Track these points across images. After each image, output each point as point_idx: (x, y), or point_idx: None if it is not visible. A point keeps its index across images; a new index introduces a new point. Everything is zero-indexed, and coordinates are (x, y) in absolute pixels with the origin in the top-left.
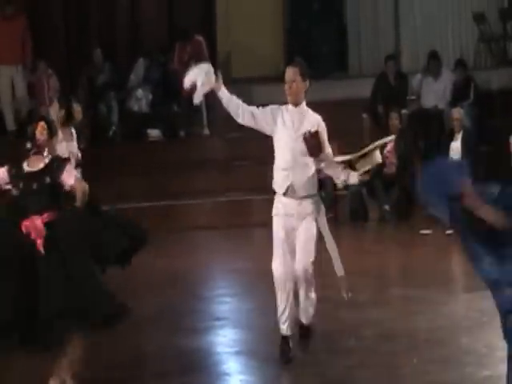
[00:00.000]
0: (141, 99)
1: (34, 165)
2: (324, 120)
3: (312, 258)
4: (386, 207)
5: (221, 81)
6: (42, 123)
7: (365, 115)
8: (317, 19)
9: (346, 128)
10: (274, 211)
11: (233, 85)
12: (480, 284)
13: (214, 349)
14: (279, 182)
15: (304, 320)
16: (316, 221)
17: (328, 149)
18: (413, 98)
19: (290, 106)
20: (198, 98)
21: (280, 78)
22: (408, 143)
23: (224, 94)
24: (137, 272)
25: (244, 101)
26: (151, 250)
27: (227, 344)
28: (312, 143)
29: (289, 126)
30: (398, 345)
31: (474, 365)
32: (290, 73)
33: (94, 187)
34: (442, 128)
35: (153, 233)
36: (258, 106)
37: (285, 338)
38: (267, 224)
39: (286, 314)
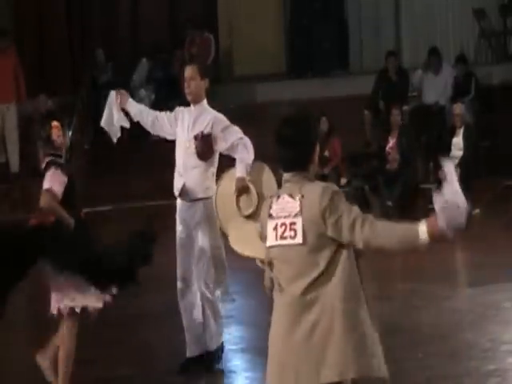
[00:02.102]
0: (143, 99)
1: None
2: (326, 117)
3: (208, 279)
4: (389, 203)
5: (126, 96)
6: (55, 123)
7: (366, 111)
8: (318, 16)
9: (347, 124)
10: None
11: (235, 82)
12: (484, 278)
13: None
14: (174, 183)
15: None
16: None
17: (227, 142)
18: (414, 94)
19: (190, 107)
20: (115, 136)
21: (282, 76)
22: (409, 139)
23: (131, 106)
24: (141, 270)
25: (247, 98)
26: (155, 248)
27: (232, 341)
28: (201, 146)
29: (184, 127)
30: (402, 339)
31: (479, 359)
32: (189, 71)
33: (97, 187)
34: (444, 124)
35: (157, 232)
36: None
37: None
38: None
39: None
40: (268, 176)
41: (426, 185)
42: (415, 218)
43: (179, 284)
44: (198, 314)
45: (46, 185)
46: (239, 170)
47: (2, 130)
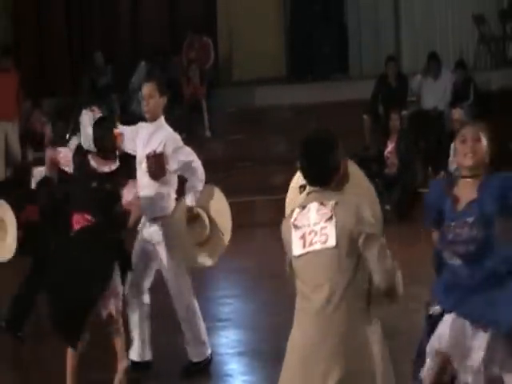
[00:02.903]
0: (142, 102)
1: (99, 164)
2: (324, 121)
3: (185, 300)
4: (387, 207)
5: (96, 114)
6: (117, 131)
7: (365, 116)
8: (318, 21)
9: (346, 129)
10: None
11: (234, 87)
12: None
13: (216, 350)
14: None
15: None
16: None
17: (178, 163)
18: (413, 99)
19: (147, 123)
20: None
21: (281, 80)
22: (408, 144)
23: None
24: None
25: (246, 102)
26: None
27: (230, 345)
28: (152, 165)
29: (140, 145)
30: (399, 342)
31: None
32: (148, 89)
33: None
34: (443, 128)
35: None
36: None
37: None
38: (269, 225)
39: None
40: (218, 197)
41: (424, 189)
42: (413, 222)
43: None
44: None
45: (128, 197)
46: (188, 200)
47: (5, 146)
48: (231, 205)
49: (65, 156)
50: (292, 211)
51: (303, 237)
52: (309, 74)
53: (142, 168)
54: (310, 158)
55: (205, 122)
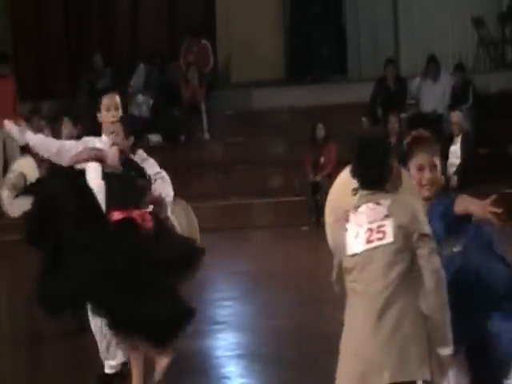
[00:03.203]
0: (141, 104)
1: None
2: (323, 124)
3: None
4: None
5: (23, 131)
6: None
7: (364, 119)
8: (316, 23)
9: (345, 132)
10: None
11: (233, 89)
12: None
13: (214, 352)
14: None
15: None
16: None
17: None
18: (412, 101)
19: (103, 137)
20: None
21: (280, 82)
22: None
23: (31, 138)
24: None
25: (244, 105)
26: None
27: (228, 347)
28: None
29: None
30: None
31: None
32: (114, 99)
33: None
34: (441, 131)
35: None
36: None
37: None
38: (268, 227)
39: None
40: (188, 209)
41: None
42: None
43: None
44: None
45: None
46: (164, 210)
47: (4, 153)
48: (230, 207)
49: (113, 155)
50: (346, 211)
51: (359, 236)
52: (307, 76)
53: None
54: (367, 161)
55: (203, 124)
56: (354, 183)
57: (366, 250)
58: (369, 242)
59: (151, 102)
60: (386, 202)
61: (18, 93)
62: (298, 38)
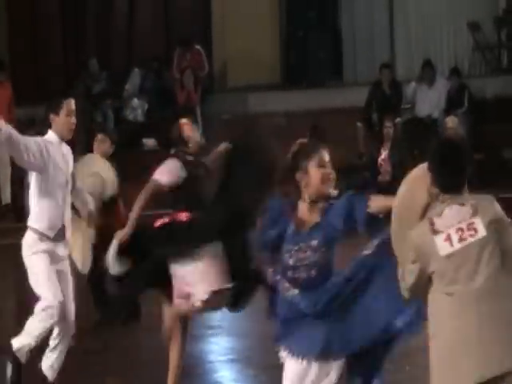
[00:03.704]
0: (136, 108)
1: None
2: (319, 127)
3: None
4: (381, 215)
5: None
6: (184, 120)
7: (359, 123)
8: (312, 28)
9: (340, 136)
10: None
11: (229, 93)
12: None
13: (207, 357)
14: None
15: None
16: None
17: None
18: (407, 106)
19: (54, 140)
20: None
21: (276, 87)
22: (402, 151)
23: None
24: None
25: (240, 109)
26: None
27: (221, 352)
28: None
29: (57, 162)
30: None
31: None
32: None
33: None
34: (437, 136)
35: None
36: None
37: None
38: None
39: None
40: None
41: None
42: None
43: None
44: None
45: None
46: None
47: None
48: None
49: (169, 171)
50: (429, 218)
51: (449, 237)
52: (303, 81)
53: (67, 186)
54: (450, 167)
55: (198, 128)
56: (428, 181)
57: (461, 249)
58: (461, 240)
59: (146, 106)
60: (467, 202)
61: (15, 98)
62: (293, 42)
